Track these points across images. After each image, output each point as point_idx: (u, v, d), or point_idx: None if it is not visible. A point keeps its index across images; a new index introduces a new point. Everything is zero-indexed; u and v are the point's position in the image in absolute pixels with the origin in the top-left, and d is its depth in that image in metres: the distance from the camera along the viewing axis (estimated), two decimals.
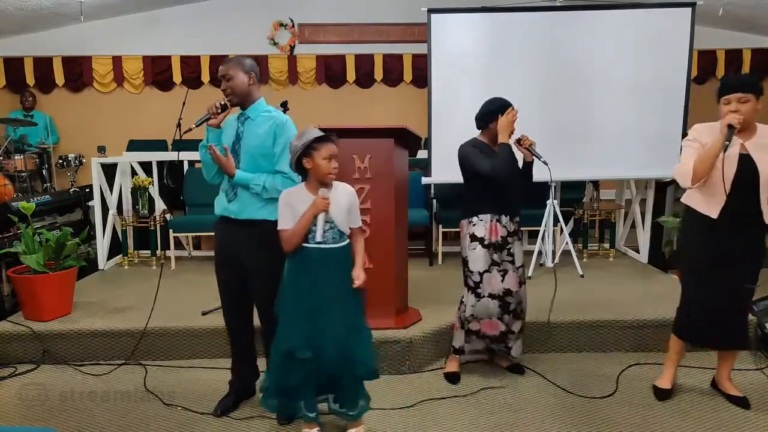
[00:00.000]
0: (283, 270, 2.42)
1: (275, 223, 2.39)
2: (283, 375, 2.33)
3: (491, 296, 2.86)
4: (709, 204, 2.53)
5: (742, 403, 2.70)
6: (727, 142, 2.38)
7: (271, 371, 2.42)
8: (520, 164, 2.96)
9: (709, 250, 2.56)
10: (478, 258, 2.86)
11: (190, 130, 2.54)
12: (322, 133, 2.29)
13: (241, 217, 2.54)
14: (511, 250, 2.89)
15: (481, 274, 2.86)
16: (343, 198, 2.35)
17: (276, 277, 2.45)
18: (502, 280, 2.87)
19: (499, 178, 2.78)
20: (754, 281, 2.61)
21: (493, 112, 2.89)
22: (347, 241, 2.37)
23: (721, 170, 2.42)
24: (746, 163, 2.46)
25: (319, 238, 2.29)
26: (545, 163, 2.91)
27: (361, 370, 2.36)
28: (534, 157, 2.95)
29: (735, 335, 2.66)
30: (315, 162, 2.28)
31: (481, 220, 2.87)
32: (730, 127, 2.39)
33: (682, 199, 2.70)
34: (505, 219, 2.88)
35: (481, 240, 2.86)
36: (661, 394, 2.78)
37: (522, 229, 5.05)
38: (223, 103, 2.51)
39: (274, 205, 2.43)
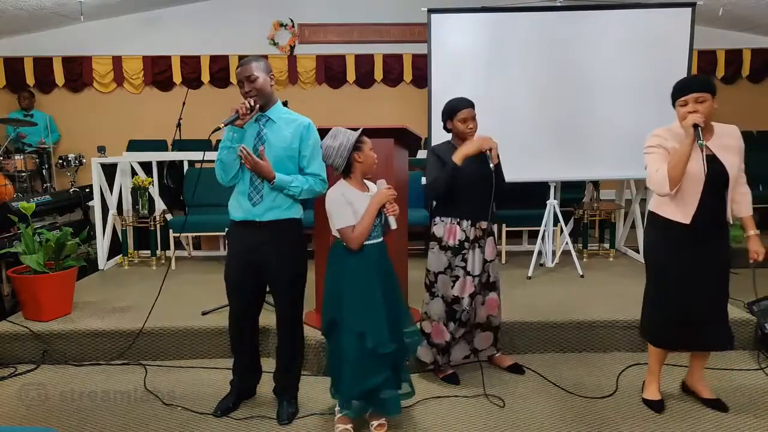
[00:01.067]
0: (304, 269, 2.57)
1: (298, 222, 2.50)
2: (369, 375, 2.35)
3: (442, 298, 2.88)
4: (680, 211, 2.48)
5: (719, 406, 2.66)
6: (701, 142, 2.35)
7: (351, 376, 2.36)
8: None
9: (682, 257, 2.52)
10: (434, 258, 2.89)
11: (219, 129, 2.44)
12: (359, 129, 2.39)
13: (264, 219, 2.50)
14: (465, 256, 2.84)
15: (435, 275, 2.88)
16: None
17: (302, 277, 2.55)
18: (452, 286, 2.85)
19: (437, 193, 2.82)
20: (727, 280, 2.58)
21: (443, 114, 2.91)
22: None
23: (689, 175, 2.40)
24: (714, 164, 2.43)
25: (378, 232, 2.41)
26: (497, 166, 2.81)
27: (411, 352, 2.60)
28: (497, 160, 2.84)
29: (716, 336, 2.59)
30: (365, 154, 2.38)
31: (442, 221, 2.88)
32: (696, 126, 2.36)
33: (650, 209, 2.63)
34: (465, 223, 2.84)
35: (439, 240, 2.87)
36: (657, 406, 2.68)
37: (522, 229, 5.16)
38: (252, 104, 2.44)
39: (299, 205, 2.53)
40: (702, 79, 2.54)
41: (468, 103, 2.85)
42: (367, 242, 2.37)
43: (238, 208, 2.54)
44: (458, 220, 2.85)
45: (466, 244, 2.85)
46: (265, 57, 2.61)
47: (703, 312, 2.55)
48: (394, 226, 2.40)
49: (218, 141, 2.57)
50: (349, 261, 2.37)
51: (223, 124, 2.42)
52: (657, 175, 2.47)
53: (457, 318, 2.87)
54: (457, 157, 2.75)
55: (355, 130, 2.39)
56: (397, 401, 2.46)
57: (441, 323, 2.89)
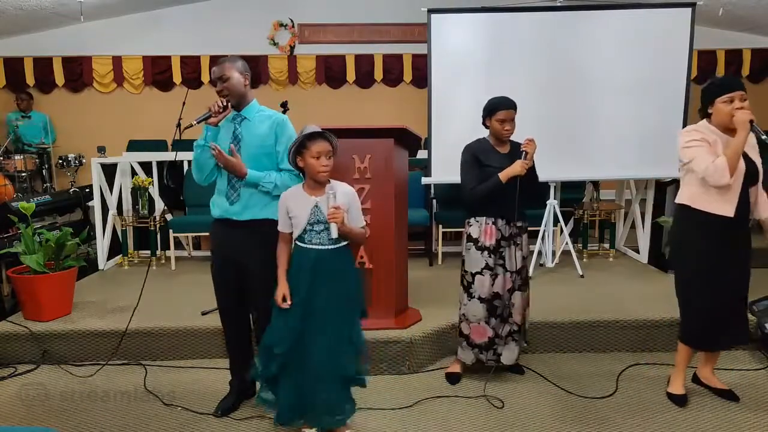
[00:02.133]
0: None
1: (275, 222, 2.43)
2: (262, 364, 2.36)
3: (480, 299, 2.87)
4: (723, 203, 2.50)
5: (731, 396, 2.73)
6: (764, 137, 2.46)
7: (260, 364, 2.41)
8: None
9: (720, 251, 2.55)
10: (471, 259, 2.89)
11: (191, 126, 2.52)
12: (315, 130, 2.28)
13: (242, 218, 2.53)
14: (503, 254, 2.87)
15: (473, 275, 2.88)
16: (341, 199, 2.31)
17: (275, 277, 2.48)
18: (492, 284, 2.86)
19: (474, 201, 2.84)
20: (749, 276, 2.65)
21: (484, 110, 2.91)
22: (345, 242, 2.36)
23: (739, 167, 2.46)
24: (748, 160, 2.52)
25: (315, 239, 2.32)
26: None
27: (345, 372, 2.32)
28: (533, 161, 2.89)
29: (738, 333, 2.67)
30: (305, 160, 2.28)
31: (477, 222, 2.88)
32: (751, 122, 2.43)
33: (684, 201, 2.62)
34: (501, 222, 2.86)
35: (475, 241, 2.88)
36: (681, 401, 2.71)
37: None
38: (224, 103, 2.49)
39: (276, 205, 2.45)
40: (739, 79, 2.67)
41: (509, 105, 2.85)
42: (307, 246, 2.33)
43: (217, 206, 2.60)
44: (494, 219, 2.86)
45: (503, 243, 2.87)
46: (252, 57, 2.61)
47: (736, 308, 2.61)
48: (333, 234, 2.25)
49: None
50: (292, 259, 2.39)
51: (195, 122, 2.49)
52: (716, 164, 2.42)
53: (498, 314, 2.89)
54: (504, 176, 2.77)
55: (326, 130, 2.30)
56: (288, 411, 2.35)
57: (482, 323, 2.89)
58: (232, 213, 2.54)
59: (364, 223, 2.46)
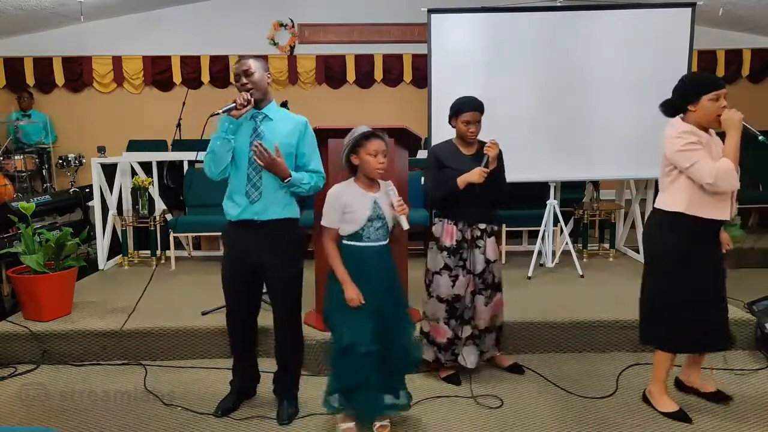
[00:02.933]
0: (302, 268, 2.57)
1: (296, 221, 2.50)
2: (347, 374, 2.35)
3: (439, 299, 2.87)
4: (720, 207, 2.44)
5: (722, 397, 2.70)
6: (762, 137, 2.41)
7: (331, 372, 2.43)
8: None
9: (711, 255, 2.52)
10: (431, 258, 2.91)
11: (216, 114, 2.43)
12: (368, 130, 2.34)
13: (263, 218, 2.49)
14: (464, 256, 2.85)
15: (432, 274, 2.89)
16: (395, 195, 2.42)
17: (299, 277, 2.55)
18: (453, 285, 2.85)
19: (433, 201, 2.86)
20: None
21: (450, 110, 2.90)
22: (388, 239, 2.45)
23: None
24: None
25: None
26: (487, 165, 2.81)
27: (416, 360, 2.54)
28: (497, 165, 2.85)
29: (721, 336, 2.61)
30: (361, 158, 2.33)
31: (440, 222, 2.90)
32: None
33: (677, 209, 2.46)
34: (461, 224, 2.85)
35: (436, 240, 2.89)
36: (684, 416, 2.57)
37: (522, 229, 5.15)
38: (249, 97, 2.43)
39: (296, 205, 2.53)
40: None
41: (474, 107, 2.84)
42: (364, 243, 2.37)
43: (235, 207, 2.52)
44: (455, 221, 2.86)
45: (464, 245, 2.85)
46: (265, 57, 2.60)
47: (719, 310, 2.58)
48: (405, 226, 2.37)
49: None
50: (346, 259, 2.38)
51: (221, 111, 2.41)
52: (725, 170, 2.33)
53: (458, 315, 2.87)
54: (461, 182, 2.77)
55: (381, 130, 2.37)
56: (375, 408, 2.41)
57: (441, 323, 2.89)
58: (254, 213, 2.49)
59: None
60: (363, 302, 2.31)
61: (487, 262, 2.89)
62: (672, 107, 2.53)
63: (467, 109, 2.83)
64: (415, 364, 2.58)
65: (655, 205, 2.60)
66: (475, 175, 2.75)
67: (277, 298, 2.61)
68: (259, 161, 2.40)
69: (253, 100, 2.45)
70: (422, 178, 2.94)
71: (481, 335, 2.94)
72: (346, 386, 2.37)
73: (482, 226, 2.87)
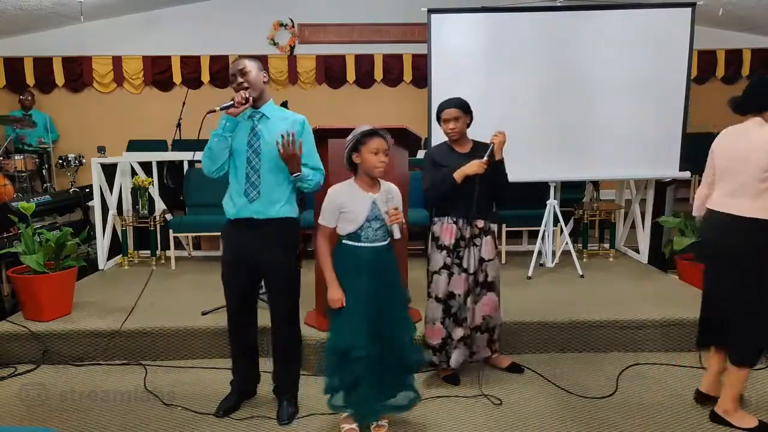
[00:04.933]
0: (299, 267, 2.56)
1: (294, 220, 2.49)
2: (341, 375, 2.35)
3: (437, 299, 2.88)
4: None
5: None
6: None
7: (327, 372, 2.42)
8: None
9: None
10: (432, 258, 2.92)
11: (213, 111, 2.45)
12: (371, 129, 2.34)
13: (263, 217, 2.50)
14: (461, 254, 2.86)
15: (432, 275, 2.90)
16: (397, 199, 2.41)
17: (298, 276, 2.55)
18: (448, 283, 2.86)
19: (432, 199, 2.89)
20: None
21: (436, 116, 2.94)
22: (389, 239, 2.43)
23: None
24: None
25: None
26: (491, 157, 2.81)
27: (414, 361, 2.50)
28: (501, 156, 2.86)
29: None
30: (363, 156, 2.33)
31: (440, 221, 2.91)
32: None
33: (758, 216, 2.35)
34: (461, 222, 2.86)
35: (436, 240, 2.90)
36: (764, 429, 2.50)
37: (522, 229, 5.15)
38: (247, 95, 2.44)
39: (294, 204, 2.54)
40: None
41: (449, 104, 2.86)
42: (362, 244, 2.36)
43: (234, 206, 2.53)
44: (454, 219, 2.86)
45: (462, 243, 2.86)
46: (264, 58, 2.60)
47: None
48: (397, 236, 2.36)
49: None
50: (340, 260, 2.39)
51: (218, 108, 2.43)
52: None
53: (452, 313, 2.88)
54: (458, 176, 2.78)
55: (384, 129, 2.37)
56: (371, 409, 2.39)
57: (437, 323, 2.89)
58: (253, 211, 2.50)
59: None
60: (344, 305, 2.32)
61: (482, 260, 2.89)
62: (746, 106, 2.45)
63: (443, 107, 2.88)
64: (414, 366, 2.54)
65: (739, 213, 2.40)
66: (474, 166, 2.77)
67: (275, 297, 2.61)
68: (281, 149, 2.39)
69: (251, 99, 2.46)
70: (423, 181, 2.93)
71: (472, 334, 2.94)
72: (338, 387, 2.37)
73: (481, 224, 2.88)
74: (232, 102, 2.42)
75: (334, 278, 2.36)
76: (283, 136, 2.38)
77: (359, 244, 2.36)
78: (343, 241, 2.39)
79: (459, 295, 2.86)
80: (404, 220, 2.38)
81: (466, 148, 2.92)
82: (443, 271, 2.86)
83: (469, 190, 2.79)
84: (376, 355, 2.32)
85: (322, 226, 2.41)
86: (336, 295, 2.33)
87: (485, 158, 2.78)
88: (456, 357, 2.91)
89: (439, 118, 2.92)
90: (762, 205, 2.35)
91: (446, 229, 2.87)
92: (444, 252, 2.86)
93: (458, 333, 2.89)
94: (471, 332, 2.93)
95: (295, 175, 2.46)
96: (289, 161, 2.43)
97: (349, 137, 2.36)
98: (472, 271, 2.87)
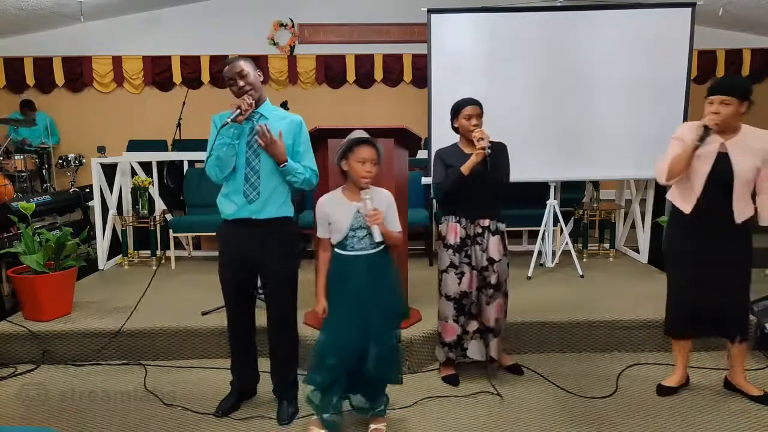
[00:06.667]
0: (298, 267, 2.57)
1: (291, 220, 2.51)
2: (316, 374, 2.37)
3: (447, 297, 2.89)
4: (683, 200, 2.62)
5: (765, 400, 2.71)
6: (699, 143, 2.46)
7: (311, 372, 2.43)
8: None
9: (689, 245, 2.64)
10: (440, 257, 2.95)
11: (227, 124, 2.42)
12: (361, 136, 2.33)
13: (261, 217, 2.50)
14: (468, 252, 2.88)
15: (441, 273, 2.92)
16: (379, 203, 2.36)
17: (296, 275, 2.56)
18: (459, 282, 2.87)
19: (441, 196, 2.93)
20: (746, 281, 2.65)
21: (450, 113, 2.94)
22: (382, 246, 2.38)
23: (696, 167, 2.52)
24: (722, 162, 2.50)
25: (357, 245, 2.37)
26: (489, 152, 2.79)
27: (391, 380, 2.48)
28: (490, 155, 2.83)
29: (727, 327, 2.70)
30: (350, 164, 2.33)
31: (446, 220, 2.94)
32: (705, 127, 2.44)
33: (667, 195, 2.75)
34: (465, 221, 2.88)
35: (443, 239, 2.93)
36: (662, 391, 2.81)
37: (522, 229, 5.15)
38: (251, 101, 2.44)
39: (291, 204, 2.54)
40: (736, 81, 2.60)
41: (473, 101, 2.88)
42: (348, 252, 2.37)
43: (232, 206, 2.52)
44: (458, 218, 2.89)
45: (468, 242, 2.87)
46: (252, 57, 2.59)
47: (714, 304, 2.63)
48: (377, 238, 2.31)
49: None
50: (331, 268, 2.41)
51: (229, 120, 2.40)
52: (659, 165, 2.62)
53: (466, 311, 2.90)
54: (465, 168, 2.79)
55: (380, 131, 2.42)
56: (329, 405, 2.37)
57: (450, 321, 2.90)
58: (251, 212, 2.49)
59: (400, 228, 2.48)
60: (326, 314, 2.37)
61: (491, 260, 2.88)
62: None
63: (467, 104, 2.87)
64: (390, 379, 2.48)
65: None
66: (473, 156, 2.78)
67: (273, 296, 2.62)
68: (260, 141, 2.41)
69: (253, 102, 2.47)
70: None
71: (486, 332, 2.95)
72: (317, 385, 2.37)
73: (485, 222, 2.89)
74: (239, 111, 2.42)
75: (322, 288, 2.40)
76: (258, 130, 2.40)
77: (347, 253, 2.38)
78: (335, 250, 2.42)
79: (470, 293, 2.88)
80: (382, 221, 2.31)
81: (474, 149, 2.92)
82: (450, 270, 2.88)
83: (472, 189, 2.81)
84: (350, 363, 2.31)
85: (319, 238, 2.46)
86: (319, 306, 2.39)
87: (486, 149, 2.76)
88: (473, 349, 2.93)
89: (456, 115, 2.89)
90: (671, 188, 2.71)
91: (451, 229, 2.90)
92: (450, 251, 2.89)
93: (473, 326, 2.92)
94: (486, 329, 2.94)
95: (281, 165, 2.46)
96: (271, 152, 2.44)
97: (342, 143, 2.35)
98: (480, 267, 2.89)
